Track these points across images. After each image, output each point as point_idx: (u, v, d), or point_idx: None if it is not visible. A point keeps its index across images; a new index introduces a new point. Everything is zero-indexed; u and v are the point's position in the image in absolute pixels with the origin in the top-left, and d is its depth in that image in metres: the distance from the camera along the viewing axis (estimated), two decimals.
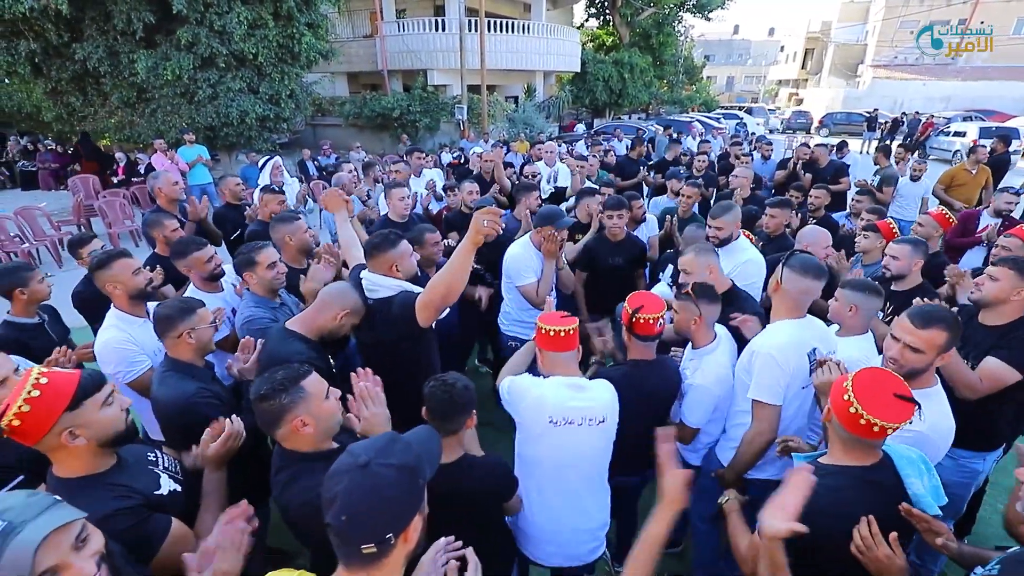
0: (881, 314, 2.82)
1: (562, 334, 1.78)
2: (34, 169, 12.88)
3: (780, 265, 2.11)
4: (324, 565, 1.55)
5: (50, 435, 1.24)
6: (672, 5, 25.31)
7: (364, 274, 2.22)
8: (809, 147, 6.51)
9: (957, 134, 16.62)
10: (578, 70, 22.22)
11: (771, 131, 25.27)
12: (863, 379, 1.35)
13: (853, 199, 4.89)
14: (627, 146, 14.74)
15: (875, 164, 6.20)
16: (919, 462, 1.44)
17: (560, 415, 1.75)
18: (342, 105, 17.41)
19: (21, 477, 1.50)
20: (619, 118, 22.28)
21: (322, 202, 2.74)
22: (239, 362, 2.11)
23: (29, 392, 1.20)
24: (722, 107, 30.98)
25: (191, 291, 2.69)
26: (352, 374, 1.67)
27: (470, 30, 15.97)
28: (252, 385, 1.45)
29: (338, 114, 17.51)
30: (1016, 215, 4.73)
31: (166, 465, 1.54)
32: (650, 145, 11.78)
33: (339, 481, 0.93)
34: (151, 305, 2.40)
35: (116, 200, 8.59)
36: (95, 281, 2.31)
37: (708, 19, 27.56)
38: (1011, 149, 7.63)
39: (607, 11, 26.05)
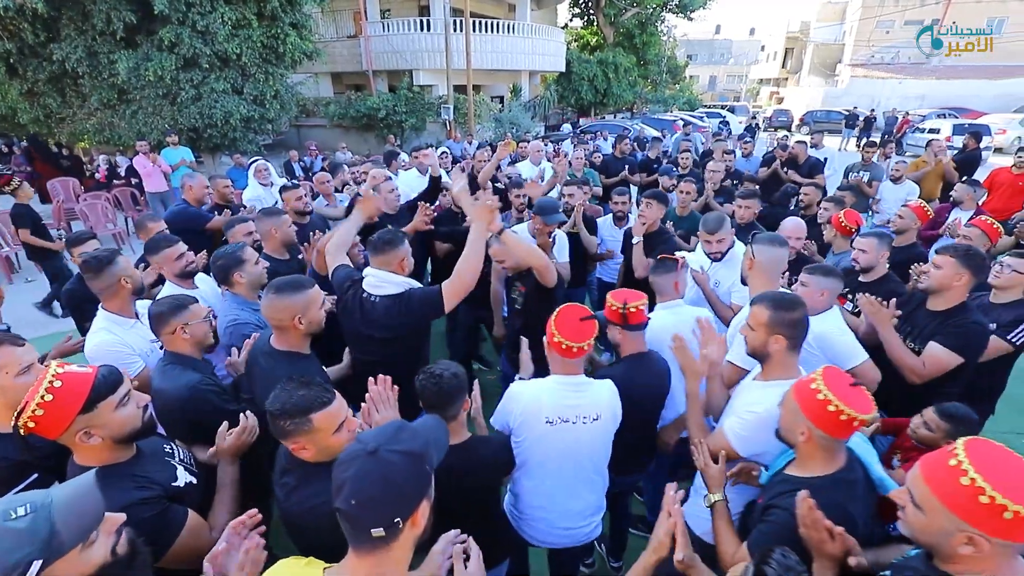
0: (850, 306, 2.94)
1: (581, 348, 1.80)
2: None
3: (748, 245, 2.35)
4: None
5: (65, 435, 1.27)
6: (655, 5, 25.56)
7: (371, 271, 2.24)
8: (786, 148, 6.68)
9: (932, 131, 17.04)
10: (563, 70, 22.34)
11: (757, 128, 25.66)
12: (829, 378, 1.36)
13: (836, 193, 5.03)
14: (613, 145, 14.95)
15: (864, 162, 6.38)
16: (864, 444, 1.51)
17: (556, 414, 1.80)
18: (327, 106, 17.33)
19: (35, 476, 1.52)
20: (603, 117, 22.44)
21: (359, 204, 2.67)
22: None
23: (43, 396, 1.22)
24: (705, 106, 31.35)
25: (168, 288, 2.68)
26: (370, 379, 1.70)
27: (455, 30, 15.99)
28: (271, 395, 1.41)
29: (323, 115, 17.44)
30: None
31: (181, 457, 1.57)
32: (636, 144, 11.93)
33: (348, 467, 0.96)
34: (140, 306, 2.41)
35: (98, 203, 8.46)
36: (101, 280, 2.27)
37: (690, 19, 27.86)
38: (982, 145, 7.91)
39: (591, 11, 26.21)
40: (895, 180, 5.87)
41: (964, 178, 5.29)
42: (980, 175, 5.92)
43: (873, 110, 22.54)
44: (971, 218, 4.11)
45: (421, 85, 17.46)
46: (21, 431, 1.23)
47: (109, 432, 1.32)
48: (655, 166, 7.33)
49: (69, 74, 10.00)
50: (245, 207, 4.21)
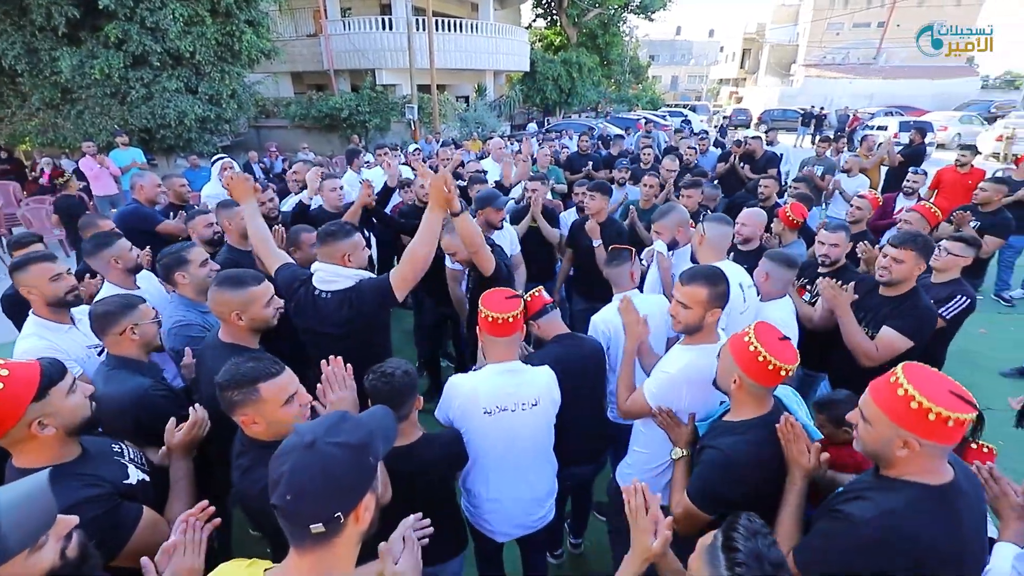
0: (808, 296, 3.06)
1: (507, 320, 1.79)
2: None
3: (699, 223, 2.57)
4: (284, 554, 1.53)
5: (17, 427, 1.22)
6: (616, 6, 25.93)
7: (319, 265, 2.18)
8: (741, 143, 6.93)
9: (880, 128, 17.91)
10: (528, 69, 22.42)
11: (728, 127, 26.34)
12: (760, 332, 1.49)
13: (790, 185, 5.23)
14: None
15: (817, 156, 6.70)
16: (794, 396, 1.67)
17: (493, 404, 1.80)
18: (287, 106, 16.91)
19: None
20: (569, 117, 22.63)
21: (225, 183, 2.51)
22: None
23: None
24: (667, 105, 32.05)
25: (107, 288, 2.60)
26: (322, 362, 1.68)
27: (418, 29, 15.86)
28: (221, 370, 1.42)
29: (283, 115, 17.00)
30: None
31: (131, 456, 1.52)
32: (600, 141, 12.10)
33: (284, 462, 0.92)
34: (77, 311, 2.31)
35: (41, 208, 8.02)
36: (15, 285, 2.19)
37: (651, 20, 28.36)
38: (927, 141, 8.36)
39: (554, 11, 26.41)
40: (847, 173, 6.15)
41: (912, 168, 5.56)
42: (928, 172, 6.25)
43: (823, 108, 23.51)
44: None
45: (384, 84, 17.24)
46: None
47: (63, 420, 1.27)
48: (618, 163, 7.47)
49: (6, 72, 9.46)
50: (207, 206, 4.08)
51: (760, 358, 1.44)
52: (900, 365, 1.20)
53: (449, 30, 17.97)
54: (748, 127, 26.66)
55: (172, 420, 1.60)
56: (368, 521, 0.97)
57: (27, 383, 1.21)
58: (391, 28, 16.94)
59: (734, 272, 2.48)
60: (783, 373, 1.44)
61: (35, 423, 1.23)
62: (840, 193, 5.87)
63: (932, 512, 1.14)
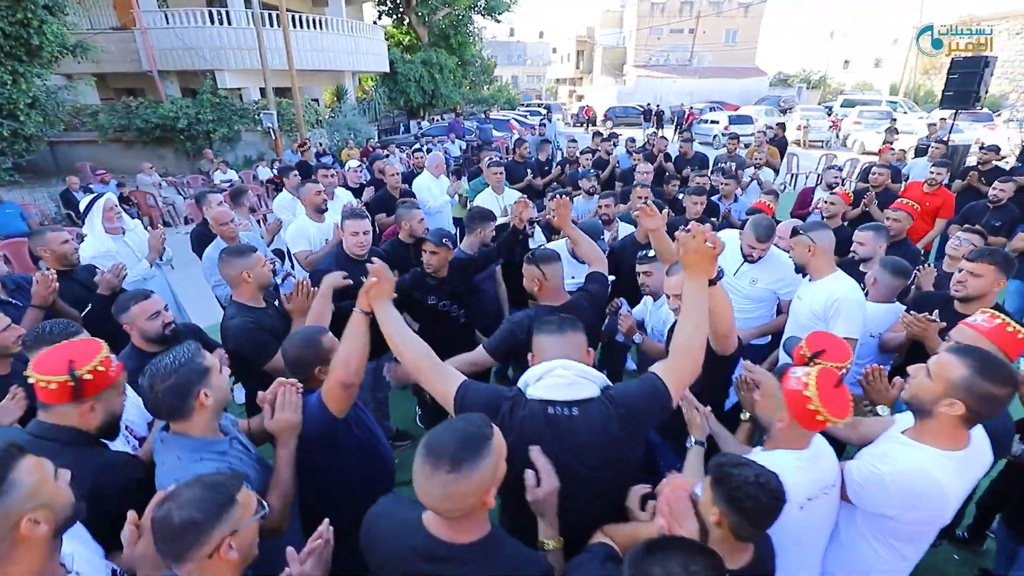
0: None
1: (828, 424, 1.44)
2: None
3: (801, 235, 2.50)
4: None
5: None
6: (465, 6, 25.87)
7: (549, 366, 1.46)
8: (667, 139, 7.30)
9: (713, 122, 20.60)
10: (387, 70, 21.27)
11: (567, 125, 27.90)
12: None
13: (722, 183, 5.58)
14: (460, 147, 14.69)
15: (728, 153, 7.24)
16: None
17: (805, 496, 1.45)
18: (94, 115, 13.62)
19: None
20: (434, 119, 22.00)
21: (372, 273, 1.60)
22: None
23: None
24: (523, 104, 33.10)
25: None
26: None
27: (269, 24, 13.93)
28: None
29: (90, 127, 13.66)
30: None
31: None
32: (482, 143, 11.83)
33: None
34: None
35: None
36: None
37: (498, 21, 28.84)
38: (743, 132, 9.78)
39: (401, 10, 25.38)
40: (758, 168, 6.80)
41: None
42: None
43: (659, 104, 26.35)
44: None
45: (229, 88, 14.86)
46: None
47: None
48: (546, 168, 7.39)
49: None
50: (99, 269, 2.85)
51: None
52: None
53: (303, 27, 16.10)
54: (595, 124, 28.72)
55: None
56: None
57: None
58: (229, 23, 14.60)
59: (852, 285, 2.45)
60: None
61: None
62: (759, 184, 6.46)
63: None
